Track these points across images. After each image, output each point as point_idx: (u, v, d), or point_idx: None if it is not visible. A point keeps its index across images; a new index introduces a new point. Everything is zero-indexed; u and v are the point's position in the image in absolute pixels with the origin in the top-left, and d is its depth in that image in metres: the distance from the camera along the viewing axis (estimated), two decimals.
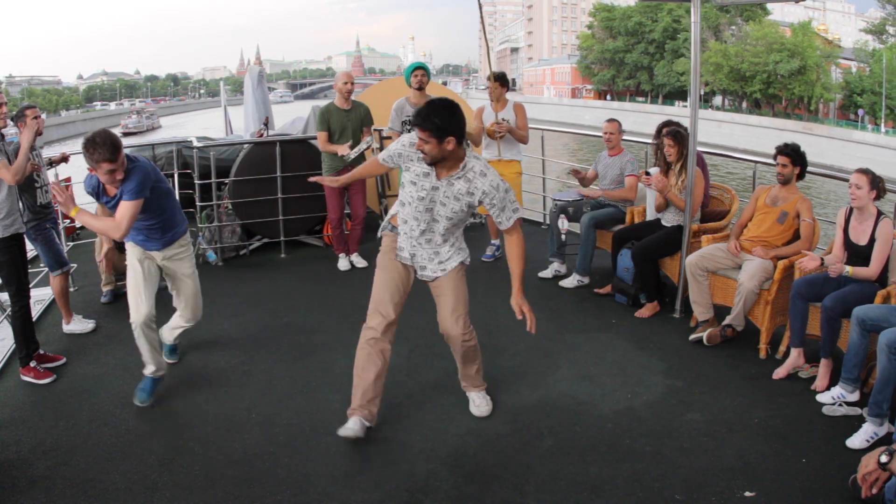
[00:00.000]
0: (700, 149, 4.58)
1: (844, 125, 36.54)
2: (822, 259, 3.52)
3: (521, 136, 5.46)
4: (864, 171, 3.44)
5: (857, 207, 3.45)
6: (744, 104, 44.43)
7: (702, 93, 44.65)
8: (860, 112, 37.73)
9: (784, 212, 3.94)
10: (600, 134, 5.32)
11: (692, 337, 4.00)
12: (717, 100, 45.95)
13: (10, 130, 3.84)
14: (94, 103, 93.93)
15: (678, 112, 42.82)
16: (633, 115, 45.66)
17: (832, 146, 30.51)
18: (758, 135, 33.76)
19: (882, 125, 35.46)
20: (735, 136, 35.17)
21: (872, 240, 3.39)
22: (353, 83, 5.49)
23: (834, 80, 40.82)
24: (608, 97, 56.66)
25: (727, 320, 3.94)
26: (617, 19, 52.77)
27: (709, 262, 4.04)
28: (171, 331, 3.75)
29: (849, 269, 3.40)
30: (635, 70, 52.96)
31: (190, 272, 3.59)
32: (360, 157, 5.42)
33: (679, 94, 49.64)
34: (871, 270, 3.37)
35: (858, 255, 3.44)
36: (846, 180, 3.56)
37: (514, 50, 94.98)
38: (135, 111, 67.31)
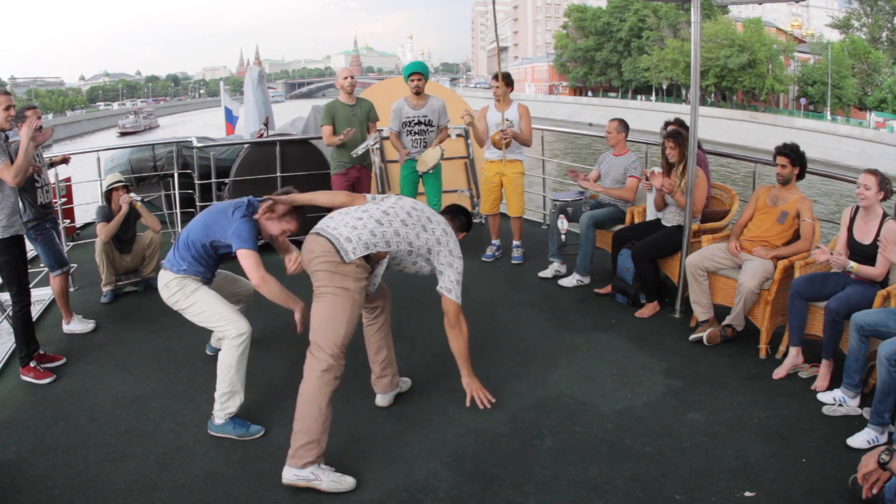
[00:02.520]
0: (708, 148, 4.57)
1: (797, 114, 39.38)
2: (831, 252, 3.52)
3: (524, 140, 5.44)
4: (874, 172, 3.45)
5: (865, 207, 3.45)
6: (711, 97, 46.98)
7: (664, 87, 50.13)
8: (802, 101, 41.54)
9: (784, 212, 3.94)
10: (581, 133, 5.32)
11: (692, 337, 4.00)
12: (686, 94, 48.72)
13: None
14: (98, 104, 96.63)
15: (640, 106, 47.87)
16: (601, 109, 50.69)
17: (775, 133, 32.66)
18: (709, 124, 36.42)
19: (827, 113, 38.51)
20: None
21: (877, 240, 3.39)
22: (353, 77, 5.51)
23: (792, 72, 44.01)
24: (589, 93, 60.11)
25: (727, 320, 3.93)
26: (588, 19, 56.84)
27: (709, 263, 4.04)
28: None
29: (854, 264, 3.40)
30: (605, 67, 57.14)
31: None
32: (366, 155, 5.41)
33: (646, 90, 53.18)
34: (878, 271, 3.36)
35: (861, 254, 3.44)
36: (846, 180, 3.57)
37: (504, 49, 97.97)
38: (132, 111, 68.92)
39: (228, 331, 3.14)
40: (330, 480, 2.66)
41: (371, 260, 2.89)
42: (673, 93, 51.49)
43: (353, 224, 2.84)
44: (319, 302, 2.78)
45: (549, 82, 68.80)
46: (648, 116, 41.64)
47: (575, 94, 62.74)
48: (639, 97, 53.71)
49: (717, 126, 36.18)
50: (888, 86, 37.38)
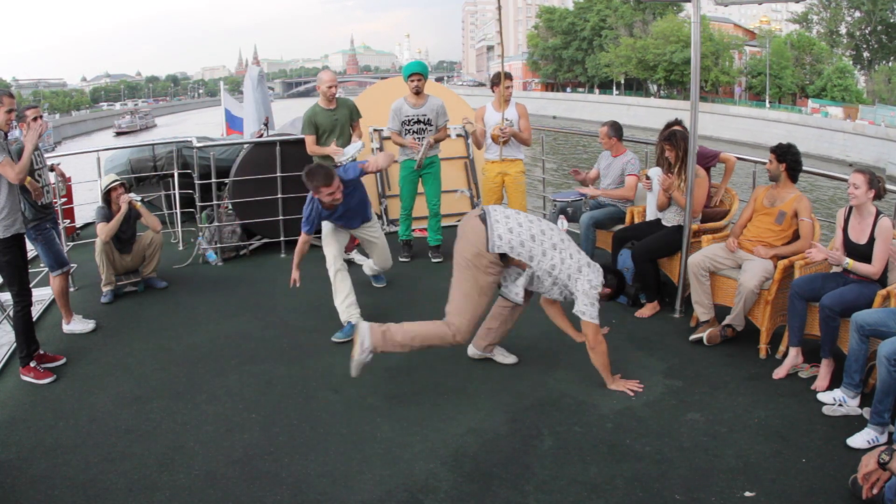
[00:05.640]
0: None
1: (744, 103, 43.29)
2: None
3: (524, 139, 5.42)
4: (863, 171, 3.45)
5: (856, 206, 3.46)
6: (664, 90, 52.04)
7: (622, 81, 54.81)
8: (738, 90, 45.91)
9: (782, 212, 3.94)
10: (579, 132, 5.34)
11: (692, 337, 4.00)
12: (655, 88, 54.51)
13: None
14: (101, 104, 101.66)
15: (597, 99, 54.89)
16: (564, 103, 57.44)
17: (712, 119, 36.48)
18: (656, 115, 40.61)
19: (766, 101, 42.59)
20: (639, 116, 42.44)
21: (872, 239, 3.40)
22: (337, 86, 5.45)
23: (743, 64, 48.14)
24: (568, 89, 64.67)
25: (727, 320, 3.94)
26: (556, 20, 62.11)
27: (710, 263, 4.04)
28: (370, 268, 4.99)
29: (849, 261, 3.40)
30: (572, 64, 62.01)
31: (378, 235, 4.54)
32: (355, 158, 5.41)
33: (609, 84, 58.96)
34: (874, 268, 3.37)
35: (858, 254, 3.44)
36: (836, 178, 3.56)
37: (490, 48, 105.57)
38: (128, 112, 71.61)
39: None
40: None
41: (507, 263, 3.34)
42: (633, 86, 56.04)
43: (511, 226, 3.26)
44: (458, 278, 3.34)
45: (523, 79, 72.50)
46: (604, 108, 48.19)
47: (546, 89, 67.33)
48: (595, 91, 59.59)
49: (662, 115, 38.69)
50: (827, 75, 40.57)
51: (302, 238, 4.09)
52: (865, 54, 40.75)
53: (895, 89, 36.46)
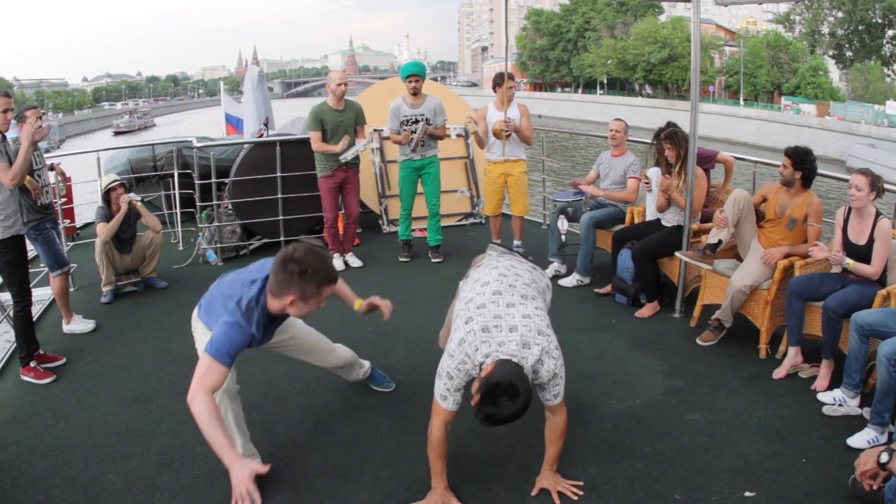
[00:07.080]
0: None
1: (725, 102, 44.77)
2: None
3: (525, 136, 5.42)
4: (864, 173, 3.43)
5: (857, 208, 3.44)
6: (646, 89, 53.87)
7: (605, 81, 56.79)
8: (712, 89, 47.66)
9: (792, 218, 3.86)
10: (581, 133, 5.32)
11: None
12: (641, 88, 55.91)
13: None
14: (103, 104, 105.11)
15: (581, 98, 57.45)
16: (550, 102, 59.40)
17: (686, 117, 38.27)
18: (634, 113, 42.19)
19: (741, 99, 43.98)
20: (619, 114, 44.02)
21: (872, 239, 3.39)
22: (346, 84, 5.48)
23: (722, 64, 49.89)
24: (559, 89, 66.29)
25: (716, 315, 3.94)
26: (542, 22, 63.77)
27: (738, 213, 3.95)
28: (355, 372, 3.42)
29: (850, 261, 3.39)
30: (558, 65, 63.83)
31: (296, 332, 3.24)
32: (356, 158, 5.42)
33: (594, 84, 60.82)
34: (874, 269, 3.36)
35: (858, 254, 3.43)
36: (838, 178, 3.53)
37: (484, 49, 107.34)
38: (127, 111, 73.61)
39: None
40: None
41: None
42: (616, 86, 57.92)
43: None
44: None
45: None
46: (586, 107, 51.73)
47: (535, 89, 69.09)
48: (579, 90, 62.17)
49: (640, 114, 40.79)
50: (801, 73, 41.83)
51: (223, 373, 2.45)
52: (848, 54, 41.32)
53: (869, 87, 37.12)
